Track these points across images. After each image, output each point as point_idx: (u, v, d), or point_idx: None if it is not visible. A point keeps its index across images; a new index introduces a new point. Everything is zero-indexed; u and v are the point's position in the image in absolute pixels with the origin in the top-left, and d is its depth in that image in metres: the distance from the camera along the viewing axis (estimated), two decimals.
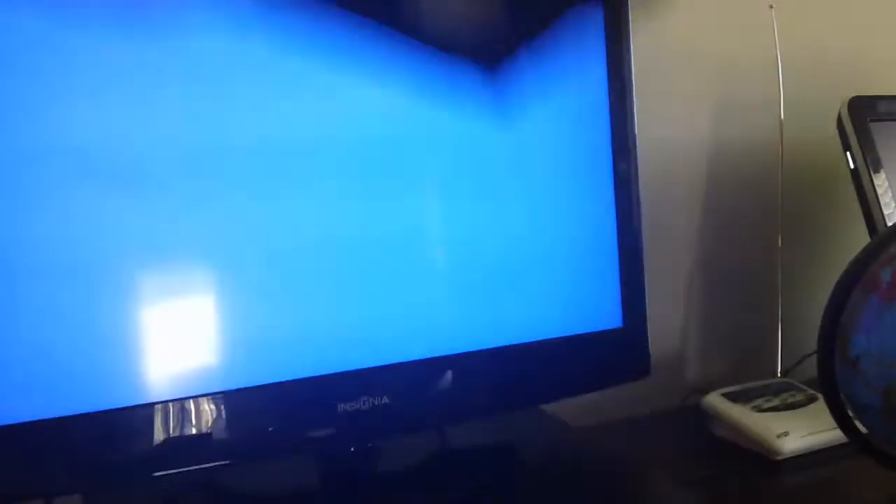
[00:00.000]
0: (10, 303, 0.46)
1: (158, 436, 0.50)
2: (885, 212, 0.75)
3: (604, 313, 0.65)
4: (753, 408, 0.72)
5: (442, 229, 0.58)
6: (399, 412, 0.57)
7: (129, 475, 0.51)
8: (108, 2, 0.48)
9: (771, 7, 0.80)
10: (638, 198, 0.66)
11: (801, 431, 0.69)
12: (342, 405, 0.55)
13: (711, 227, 0.91)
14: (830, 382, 0.54)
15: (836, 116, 0.78)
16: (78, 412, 0.48)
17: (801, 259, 0.94)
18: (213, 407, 0.51)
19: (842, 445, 0.66)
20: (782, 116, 0.81)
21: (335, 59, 0.54)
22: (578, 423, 0.76)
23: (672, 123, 0.88)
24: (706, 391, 0.77)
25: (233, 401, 0.52)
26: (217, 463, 0.53)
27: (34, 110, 0.46)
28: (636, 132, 0.66)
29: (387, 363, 0.56)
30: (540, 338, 0.62)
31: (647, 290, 0.68)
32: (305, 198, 0.53)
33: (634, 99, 0.66)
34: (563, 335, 0.63)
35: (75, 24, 0.47)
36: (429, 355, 0.58)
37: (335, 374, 0.54)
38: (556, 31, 0.62)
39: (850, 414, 0.54)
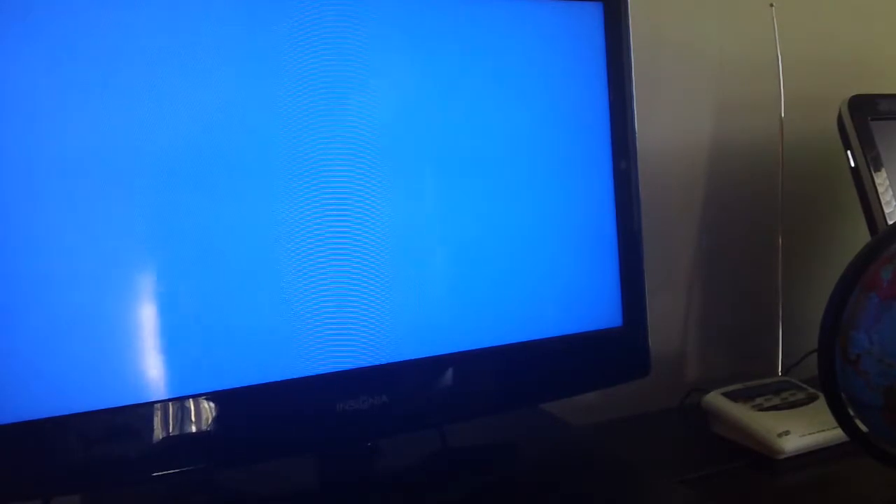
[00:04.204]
0: (10, 303, 0.46)
1: (158, 435, 0.50)
2: (886, 210, 0.75)
3: (604, 312, 0.65)
4: (754, 407, 0.72)
5: (441, 228, 0.58)
6: (398, 411, 0.57)
7: (129, 475, 0.50)
8: None
9: (771, 5, 0.80)
10: (638, 197, 0.66)
11: (801, 430, 0.69)
12: (341, 404, 0.55)
13: (711, 226, 0.91)
14: (831, 381, 0.54)
15: (836, 115, 0.78)
16: (77, 411, 0.48)
17: (801, 258, 0.94)
18: (211, 406, 0.51)
19: (842, 444, 0.66)
20: (782, 115, 0.81)
21: (337, 54, 0.54)
22: (578, 422, 0.76)
23: (672, 123, 0.88)
24: (706, 390, 0.77)
25: (232, 400, 0.52)
26: (216, 463, 0.53)
27: (31, 112, 0.46)
28: (636, 131, 0.66)
29: (386, 362, 0.56)
30: (540, 337, 0.62)
31: (646, 289, 0.68)
32: (303, 199, 0.53)
33: (634, 98, 0.66)
34: (563, 334, 0.63)
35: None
36: (428, 354, 0.58)
37: (334, 373, 0.54)
38: (556, 31, 0.62)
39: (851, 413, 0.54)
